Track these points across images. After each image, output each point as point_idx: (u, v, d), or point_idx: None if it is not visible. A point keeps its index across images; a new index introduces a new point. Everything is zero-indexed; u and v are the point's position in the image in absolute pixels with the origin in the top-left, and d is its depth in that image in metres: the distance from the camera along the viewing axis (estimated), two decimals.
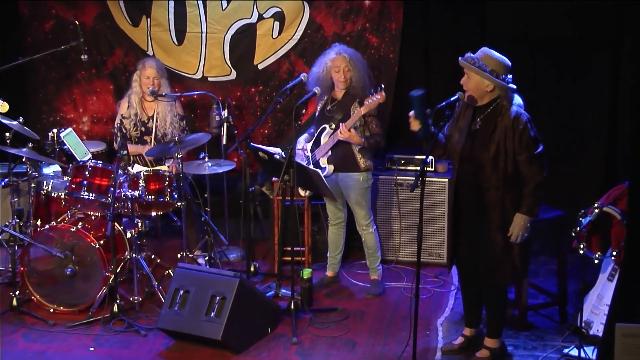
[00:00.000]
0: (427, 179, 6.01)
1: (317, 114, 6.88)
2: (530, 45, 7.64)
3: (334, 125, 6.57)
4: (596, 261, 5.92)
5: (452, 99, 5.62)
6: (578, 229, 5.83)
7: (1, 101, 6.51)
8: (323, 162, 6.73)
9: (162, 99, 7.36)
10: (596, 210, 5.86)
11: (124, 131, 7.39)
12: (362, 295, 6.95)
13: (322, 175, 6.41)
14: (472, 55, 5.54)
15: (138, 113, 7.41)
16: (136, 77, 7.43)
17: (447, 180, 7.23)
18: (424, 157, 5.86)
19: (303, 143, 6.93)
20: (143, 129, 7.40)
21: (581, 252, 5.81)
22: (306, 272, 6.68)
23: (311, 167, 6.71)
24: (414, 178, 5.75)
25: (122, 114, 7.46)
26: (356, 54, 6.77)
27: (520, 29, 7.69)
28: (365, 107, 6.38)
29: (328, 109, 6.74)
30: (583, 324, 5.96)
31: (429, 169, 7.35)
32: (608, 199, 6.05)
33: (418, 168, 7.26)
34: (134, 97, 7.43)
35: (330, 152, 6.71)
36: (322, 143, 6.73)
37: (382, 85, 6.37)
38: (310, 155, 6.84)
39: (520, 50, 7.49)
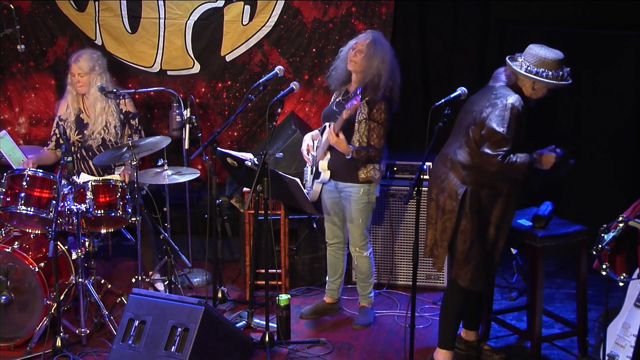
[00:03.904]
0: (423, 188, 6.06)
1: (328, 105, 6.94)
2: (544, 33, 7.70)
3: (333, 125, 6.59)
4: (621, 284, 5.95)
5: (452, 95, 5.69)
6: (600, 246, 5.87)
7: None
8: (322, 165, 6.74)
9: (111, 97, 7.35)
10: (621, 225, 5.90)
11: (66, 135, 7.38)
12: (349, 325, 6.97)
13: (300, 184, 6.43)
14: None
15: (77, 114, 7.41)
16: (69, 75, 7.44)
17: None
18: (419, 163, 5.91)
19: (309, 140, 6.93)
20: (85, 131, 7.39)
21: (604, 273, 5.84)
22: (283, 299, 6.69)
23: (308, 172, 6.78)
24: (408, 188, 5.80)
25: (60, 115, 7.47)
26: (388, 47, 6.69)
27: (531, 13, 7.75)
28: (346, 112, 6.36)
29: (338, 100, 6.78)
30: (606, 358, 6.00)
31: (425, 177, 7.38)
32: (635, 211, 6.10)
33: (413, 176, 7.30)
34: (69, 97, 7.44)
35: (329, 155, 6.72)
36: (322, 141, 6.76)
37: (359, 90, 6.35)
38: (315, 154, 6.89)
39: (531, 38, 7.55)
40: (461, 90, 5.79)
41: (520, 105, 5.78)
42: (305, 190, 6.84)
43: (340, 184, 6.75)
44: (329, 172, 6.73)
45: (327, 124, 6.66)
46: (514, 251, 7.29)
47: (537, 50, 5.82)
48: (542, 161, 5.85)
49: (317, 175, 6.79)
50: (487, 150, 5.76)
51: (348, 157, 6.53)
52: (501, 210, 5.93)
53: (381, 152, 6.65)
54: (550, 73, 5.76)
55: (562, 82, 5.80)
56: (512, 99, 5.77)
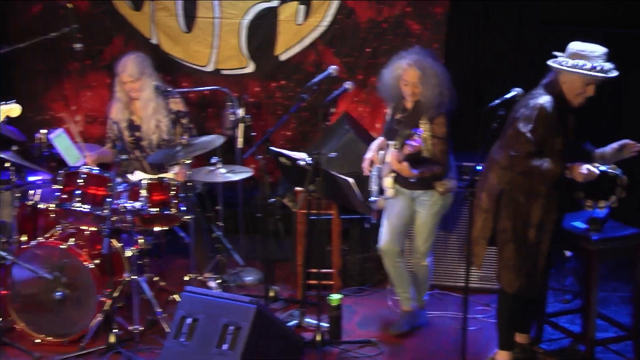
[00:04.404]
0: (476, 189, 6.03)
1: (386, 120, 6.84)
2: (600, 34, 7.62)
3: (398, 145, 6.42)
4: None
5: (507, 96, 5.66)
6: None
7: (13, 102, 6.54)
8: (387, 183, 6.59)
9: (166, 95, 7.38)
10: None
11: (121, 134, 7.44)
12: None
13: (352, 184, 6.40)
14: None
15: (129, 117, 7.47)
16: (117, 82, 7.49)
17: None
18: (472, 164, 5.88)
19: (374, 150, 6.78)
20: (138, 133, 7.46)
21: None
22: (334, 299, 6.68)
23: (373, 179, 6.70)
24: (462, 188, 5.78)
25: (112, 118, 7.52)
26: (433, 66, 6.53)
27: (582, 14, 7.67)
28: (407, 149, 6.21)
29: (397, 118, 6.66)
30: None
31: (478, 177, 7.33)
32: None
33: (467, 177, 7.25)
34: (119, 104, 7.49)
35: (395, 173, 6.58)
36: (387, 161, 6.67)
37: (420, 131, 6.26)
38: (381, 167, 6.75)
39: (586, 39, 7.49)
40: (516, 91, 5.74)
41: (551, 107, 5.71)
42: (371, 199, 6.75)
43: (415, 192, 6.63)
44: (393, 190, 6.58)
45: (390, 142, 6.55)
46: (568, 254, 7.21)
47: (569, 45, 5.79)
48: (574, 173, 5.73)
49: (382, 190, 6.68)
50: (511, 151, 5.75)
51: (412, 181, 6.46)
52: (541, 212, 5.87)
53: (446, 167, 6.51)
54: (570, 62, 5.69)
55: (582, 72, 5.67)
56: (542, 99, 5.72)
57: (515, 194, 5.89)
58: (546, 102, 5.70)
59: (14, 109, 6.52)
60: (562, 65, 5.70)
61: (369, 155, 6.78)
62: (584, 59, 5.68)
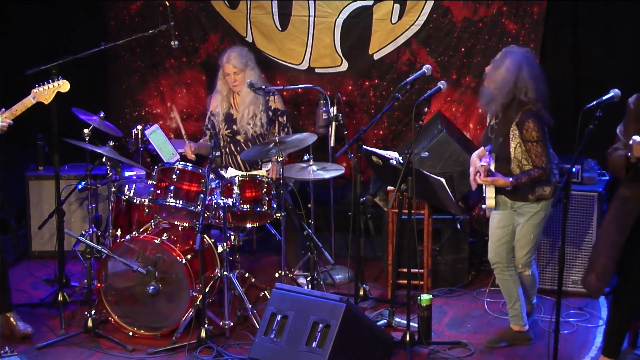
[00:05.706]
0: (572, 192, 5.93)
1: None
2: None
3: (494, 155, 6.33)
4: None
5: (604, 97, 5.54)
6: None
7: (61, 79, 6.65)
8: (489, 192, 6.40)
9: (260, 93, 7.43)
10: None
11: (215, 129, 7.52)
12: (493, 328, 6.89)
13: (445, 184, 6.35)
14: None
15: (227, 110, 7.54)
16: (220, 75, 7.56)
17: (596, 193, 7.12)
18: (568, 166, 5.76)
19: (476, 161, 6.48)
20: (234, 126, 7.51)
21: None
22: (424, 299, 6.64)
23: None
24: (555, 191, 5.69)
25: (212, 110, 7.60)
26: (520, 60, 6.26)
27: None
28: (482, 168, 6.17)
29: (492, 124, 6.48)
30: None
31: (574, 180, 7.21)
32: None
33: (561, 179, 7.15)
34: (219, 97, 7.57)
35: None
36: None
37: (489, 148, 6.08)
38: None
39: None
40: (614, 92, 5.60)
41: (634, 102, 5.58)
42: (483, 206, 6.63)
43: (516, 203, 6.43)
44: (493, 200, 6.38)
45: (483, 159, 6.40)
46: None
47: None
48: (632, 150, 5.41)
49: (484, 200, 6.55)
50: None
51: (509, 189, 6.28)
52: (614, 212, 5.75)
53: (547, 170, 6.27)
54: None
55: None
56: (635, 95, 5.59)
57: (615, 194, 5.80)
58: (633, 97, 5.59)
59: (62, 85, 6.62)
60: None
61: (472, 169, 6.48)
62: None
